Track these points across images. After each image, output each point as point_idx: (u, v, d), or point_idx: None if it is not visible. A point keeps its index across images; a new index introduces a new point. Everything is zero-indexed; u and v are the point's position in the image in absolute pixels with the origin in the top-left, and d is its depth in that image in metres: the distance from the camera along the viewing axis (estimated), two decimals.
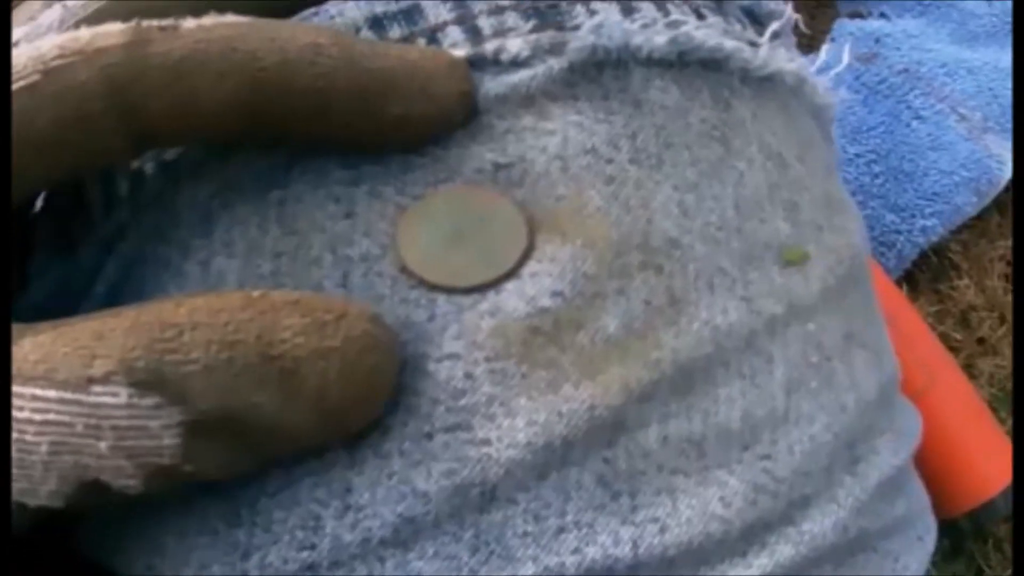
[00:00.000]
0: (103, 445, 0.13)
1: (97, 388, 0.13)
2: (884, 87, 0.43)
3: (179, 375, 0.13)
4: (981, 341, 0.41)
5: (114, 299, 0.18)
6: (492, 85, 0.17)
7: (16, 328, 0.14)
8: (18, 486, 0.14)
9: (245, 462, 0.15)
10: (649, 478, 0.16)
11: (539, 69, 0.18)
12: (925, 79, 0.44)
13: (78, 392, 0.13)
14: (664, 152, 0.18)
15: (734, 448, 0.17)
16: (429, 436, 0.16)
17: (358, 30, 0.18)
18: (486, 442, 0.16)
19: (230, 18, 0.16)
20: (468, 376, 0.16)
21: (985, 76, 0.45)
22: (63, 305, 0.18)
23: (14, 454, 0.13)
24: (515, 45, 0.18)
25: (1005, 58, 0.47)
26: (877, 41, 0.45)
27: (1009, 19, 0.49)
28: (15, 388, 0.13)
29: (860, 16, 0.48)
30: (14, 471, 0.13)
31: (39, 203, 0.19)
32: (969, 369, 0.40)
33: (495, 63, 0.18)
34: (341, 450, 0.16)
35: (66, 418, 0.13)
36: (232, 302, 0.14)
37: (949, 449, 0.37)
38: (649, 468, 0.16)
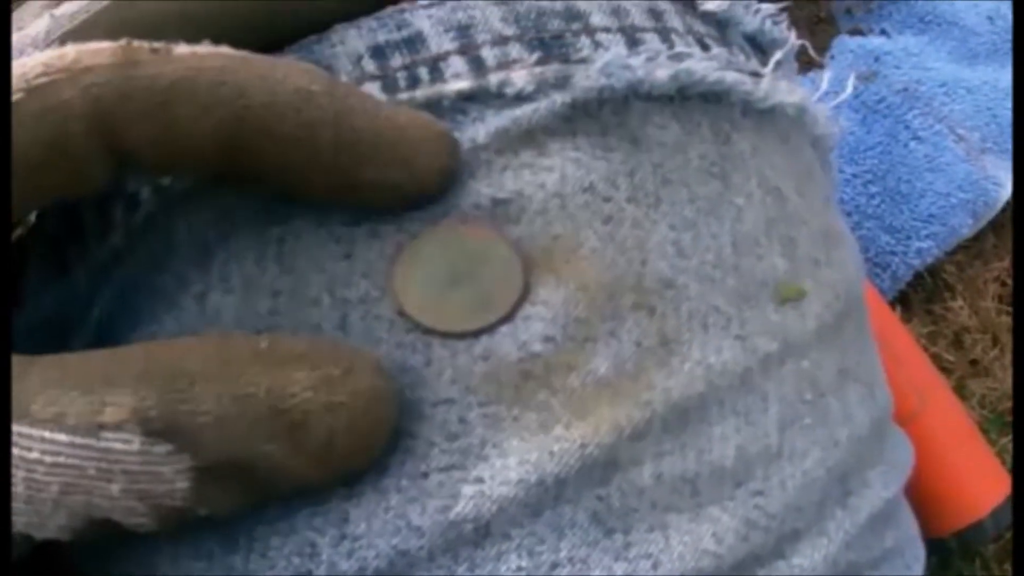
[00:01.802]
0: (115, 488, 0.14)
1: (108, 434, 0.13)
2: (883, 106, 0.43)
3: (191, 425, 0.14)
4: (974, 363, 0.41)
5: (110, 326, 0.18)
6: (494, 120, 0.17)
7: (19, 361, 0.14)
8: (25, 520, 0.14)
9: (251, 501, 0.15)
10: (643, 515, 0.17)
11: (542, 104, 0.18)
12: (924, 99, 0.44)
13: (89, 437, 0.13)
14: (662, 190, 0.18)
15: (727, 485, 0.17)
16: (425, 475, 0.16)
17: (360, 58, 0.18)
18: (479, 480, 0.16)
19: (225, 50, 0.16)
20: (462, 420, 0.16)
21: (984, 96, 0.45)
22: (57, 329, 0.18)
23: (22, 490, 0.13)
24: (520, 79, 0.18)
25: (1004, 78, 0.47)
26: (877, 59, 0.45)
27: (1010, 38, 0.49)
28: (24, 428, 0.13)
29: (860, 33, 0.48)
30: (22, 506, 0.14)
31: (30, 222, 0.19)
32: (961, 391, 0.40)
33: (498, 96, 0.18)
34: (339, 483, 0.16)
35: (76, 461, 0.13)
36: (242, 353, 0.14)
37: (939, 471, 0.37)
38: (643, 505, 0.17)
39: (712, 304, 0.18)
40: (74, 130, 0.14)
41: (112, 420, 0.13)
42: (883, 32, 0.49)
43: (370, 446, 0.15)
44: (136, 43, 0.15)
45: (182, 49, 0.15)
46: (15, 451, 0.13)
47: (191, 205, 0.17)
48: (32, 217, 0.19)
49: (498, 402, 0.16)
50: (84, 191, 0.15)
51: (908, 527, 0.23)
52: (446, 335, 0.16)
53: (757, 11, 0.22)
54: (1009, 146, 0.44)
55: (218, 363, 0.14)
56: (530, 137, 0.18)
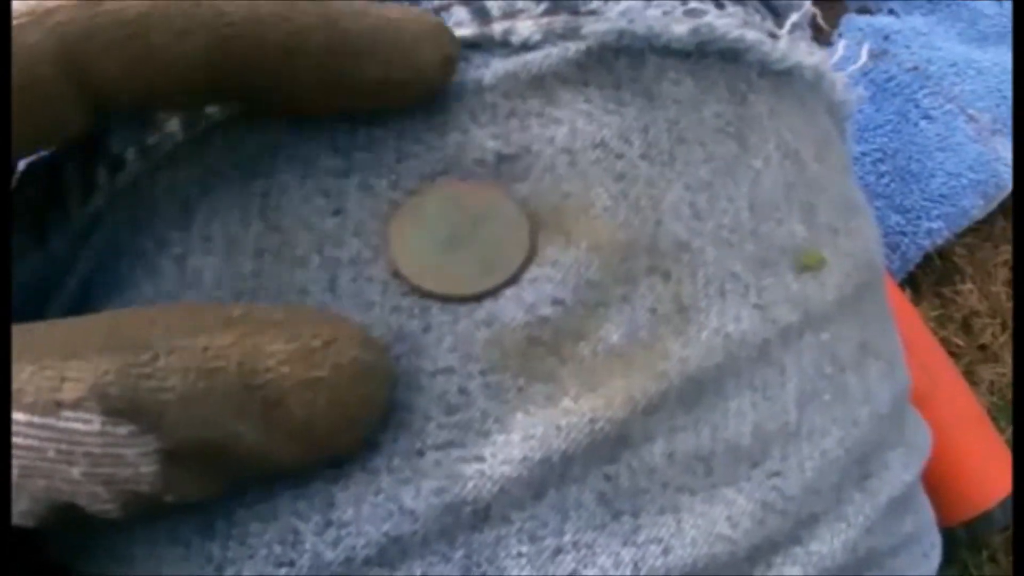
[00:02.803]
0: (76, 471, 0.12)
1: (68, 413, 0.12)
2: (893, 85, 0.42)
3: (155, 403, 0.12)
4: (983, 348, 0.40)
5: (88, 293, 0.17)
6: (501, 64, 0.16)
7: None
8: None
9: (225, 486, 0.14)
10: (653, 496, 0.15)
11: (553, 51, 0.17)
12: (934, 78, 0.43)
13: (48, 416, 0.12)
14: (676, 148, 0.17)
15: (743, 464, 0.16)
16: (420, 453, 0.15)
17: None
18: (479, 458, 0.15)
19: None
20: (462, 391, 0.15)
21: (995, 77, 0.44)
22: (34, 297, 0.17)
23: None
24: (526, 28, 0.17)
25: None
26: (886, 38, 0.44)
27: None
28: None
29: (868, 12, 0.48)
30: None
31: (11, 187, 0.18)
32: (969, 376, 0.39)
33: (504, 45, 0.17)
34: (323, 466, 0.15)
35: (35, 442, 0.12)
36: (212, 322, 0.13)
37: (947, 458, 0.36)
38: (653, 486, 0.15)
39: (730, 270, 0.17)
40: (43, 73, 0.13)
41: (70, 398, 0.12)
42: (891, 12, 0.48)
43: (356, 426, 0.14)
44: None
45: None
46: None
47: (174, 163, 0.16)
48: (13, 183, 0.18)
49: (502, 370, 0.15)
50: (65, 136, 0.14)
51: (926, 513, 0.22)
52: (446, 299, 0.15)
53: None
54: None
55: (185, 334, 0.13)
56: (540, 83, 0.17)
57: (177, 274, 0.16)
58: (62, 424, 0.12)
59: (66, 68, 0.14)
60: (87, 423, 0.12)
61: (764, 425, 0.16)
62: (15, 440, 0.12)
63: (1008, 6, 0.49)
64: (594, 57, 0.17)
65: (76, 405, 0.12)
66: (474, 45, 0.17)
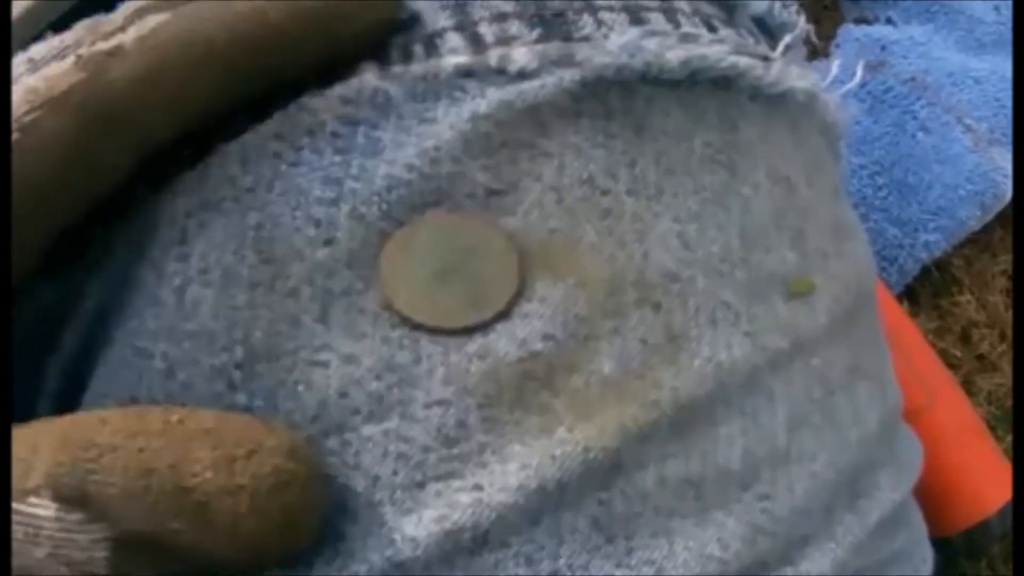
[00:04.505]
0: (40, 552, 0.14)
1: (33, 499, 0.14)
2: (890, 96, 0.42)
3: (101, 495, 0.14)
4: (981, 358, 0.40)
5: (101, 319, 0.17)
6: (496, 94, 0.17)
7: None
8: None
9: (171, 573, 0.15)
10: (646, 520, 0.16)
11: (548, 80, 0.17)
12: (932, 88, 0.43)
13: (19, 502, 0.14)
14: (664, 181, 0.17)
15: (733, 488, 0.17)
16: (421, 485, 0.15)
17: None
18: (478, 487, 0.15)
19: (156, 20, 0.15)
20: (460, 424, 0.15)
21: (992, 86, 0.44)
22: (52, 322, 0.18)
23: None
24: (521, 55, 0.17)
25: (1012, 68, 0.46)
26: (883, 48, 0.44)
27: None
28: None
29: (866, 21, 0.48)
30: None
31: None
32: (968, 386, 0.39)
33: (500, 73, 0.17)
34: (328, 500, 0.15)
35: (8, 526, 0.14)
36: (150, 426, 0.14)
37: (945, 468, 0.36)
38: (646, 510, 0.16)
39: (720, 298, 0.17)
40: (87, 140, 0.15)
41: (32, 485, 0.14)
42: (889, 21, 0.48)
43: (281, 533, 0.14)
44: (85, 52, 0.15)
45: (128, 39, 0.15)
46: None
47: (173, 191, 0.17)
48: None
49: (498, 404, 0.16)
50: (114, 181, 0.16)
51: (917, 528, 0.22)
52: (436, 331, 0.16)
53: None
54: None
55: (126, 436, 0.14)
56: (535, 113, 0.17)
57: (176, 305, 0.16)
58: (27, 509, 0.14)
59: (102, 126, 0.15)
60: (46, 508, 0.14)
61: (754, 450, 0.17)
62: None
63: (1006, 13, 0.49)
64: (589, 88, 0.17)
65: (35, 491, 0.14)
66: (469, 73, 0.17)
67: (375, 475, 0.15)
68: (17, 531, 0.14)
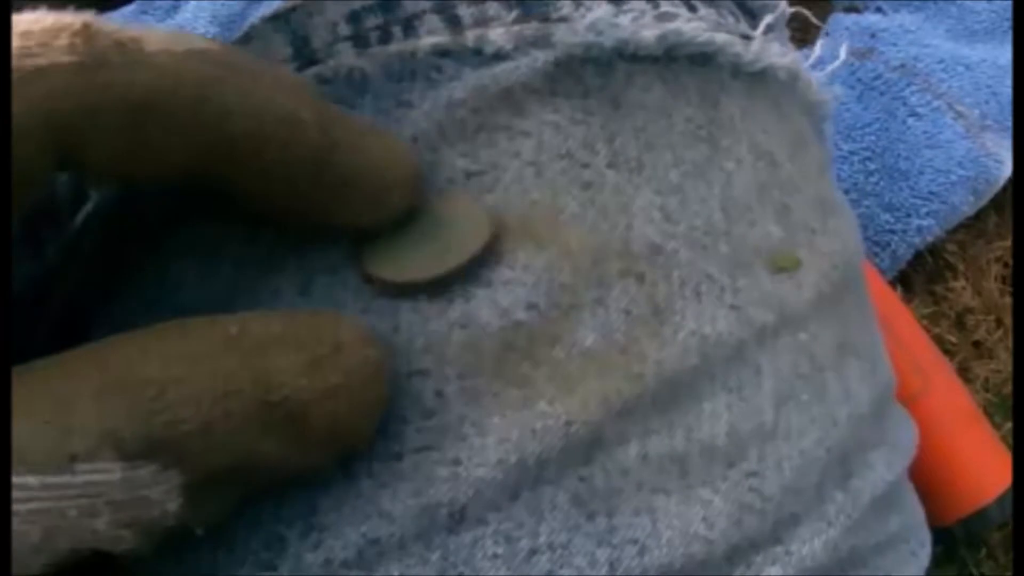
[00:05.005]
0: (100, 523, 0.12)
1: (83, 466, 0.12)
2: (880, 83, 0.42)
3: (174, 438, 0.12)
4: (977, 344, 0.40)
5: (78, 301, 0.17)
6: (472, 76, 0.17)
7: None
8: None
9: (246, 500, 0.14)
10: (628, 497, 0.16)
11: (522, 61, 0.17)
12: (922, 75, 0.43)
13: (63, 475, 0.12)
14: (644, 155, 0.17)
15: (719, 465, 0.16)
16: (398, 456, 0.15)
17: (335, 25, 0.17)
18: (456, 461, 0.15)
19: (200, 44, 0.13)
20: (439, 394, 0.15)
21: (983, 73, 0.44)
22: (27, 306, 0.17)
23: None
24: (498, 36, 0.17)
25: (1004, 55, 0.46)
26: (873, 36, 0.44)
27: (1008, 15, 0.48)
28: None
29: (856, 10, 0.48)
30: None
31: None
32: (964, 373, 0.39)
33: (476, 54, 0.17)
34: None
35: (53, 504, 0.12)
36: (210, 345, 0.13)
37: (943, 456, 0.36)
38: (628, 486, 0.16)
39: (704, 271, 0.17)
40: (23, 152, 0.12)
41: (83, 449, 0.11)
42: (878, 9, 0.48)
43: (372, 424, 0.14)
44: (98, 29, 0.12)
45: (153, 45, 0.13)
46: None
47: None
48: None
49: (477, 375, 0.15)
50: (23, 199, 0.13)
51: (913, 512, 0.22)
52: (404, 286, 0.15)
53: None
54: (1009, 124, 0.43)
55: (186, 362, 0.12)
56: (508, 95, 0.17)
57: (157, 281, 0.16)
58: (80, 479, 0.12)
59: (52, 146, 0.12)
60: (107, 472, 0.12)
61: (739, 426, 0.17)
62: (28, 507, 0.11)
63: (998, 3, 0.49)
64: (563, 67, 0.17)
65: (91, 456, 0.12)
66: (446, 53, 0.17)
67: None
68: (67, 509, 0.12)
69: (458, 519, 0.15)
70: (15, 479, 0.11)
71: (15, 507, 0.11)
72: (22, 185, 0.12)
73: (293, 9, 0.17)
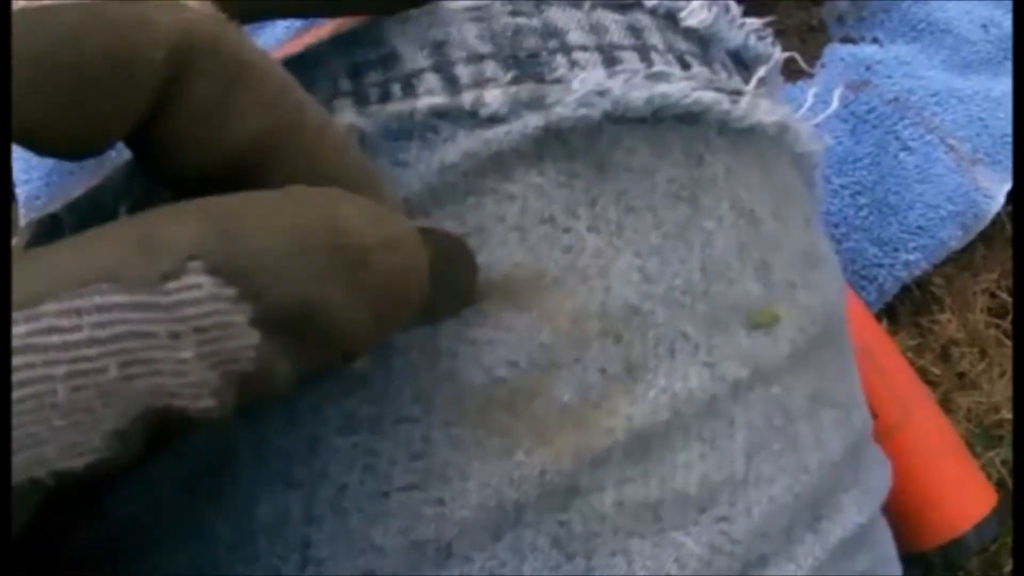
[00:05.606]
0: (187, 354, 0.11)
1: (173, 284, 0.11)
2: (873, 116, 0.43)
3: (254, 265, 0.12)
4: (960, 376, 0.41)
5: None
6: (465, 140, 0.17)
7: (22, 254, 0.11)
8: (54, 448, 0.11)
9: (304, 369, 0.13)
10: (604, 540, 0.17)
11: (514, 126, 0.17)
12: (915, 108, 0.43)
13: (154, 294, 0.11)
14: (625, 218, 0.18)
15: (691, 511, 0.17)
16: (386, 495, 0.16)
17: (336, 79, 0.18)
18: (440, 502, 0.16)
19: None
20: (425, 439, 0.16)
21: (976, 106, 0.45)
22: None
23: (63, 397, 0.11)
24: (494, 99, 0.17)
25: (997, 87, 0.47)
26: (868, 68, 0.45)
27: (1004, 46, 0.49)
28: (53, 306, 0.10)
29: (852, 41, 0.48)
30: (59, 423, 0.11)
31: (69, 199, 0.18)
32: (947, 404, 0.40)
33: (471, 116, 0.17)
34: (295, 506, 0.16)
35: (143, 327, 0.11)
36: (285, 192, 0.13)
37: (921, 485, 0.37)
38: (604, 530, 0.17)
39: (680, 330, 0.18)
40: (151, 57, 0.12)
41: (173, 262, 0.11)
42: (875, 40, 0.48)
43: (417, 293, 0.14)
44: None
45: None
46: (38, 358, 0.10)
47: None
48: (72, 194, 0.18)
49: (461, 424, 0.16)
50: (120, 124, 0.13)
51: (884, 549, 0.23)
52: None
53: (742, 25, 0.21)
54: (1000, 157, 0.44)
55: (263, 200, 0.12)
56: (499, 159, 0.17)
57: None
58: (170, 299, 0.11)
59: (175, 58, 0.12)
60: (196, 288, 0.11)
61: (711, 475, 0.17)
62: (116, 331, 0.11)
63: (994, 32, 0.50)
64: (552, 131, 0.18)
65: (181, 271, 0.11)
66: (443, 114, 0.17)
67: (342, 483, 0.16)
68: (156, 333, 0.11)
69: (445, 555, 0.16)
70: (98, 299, 0.11)
71: (97, 334, 0.11)
72: (132, 91, 0.12)
73: (296, 58, 0.18)
